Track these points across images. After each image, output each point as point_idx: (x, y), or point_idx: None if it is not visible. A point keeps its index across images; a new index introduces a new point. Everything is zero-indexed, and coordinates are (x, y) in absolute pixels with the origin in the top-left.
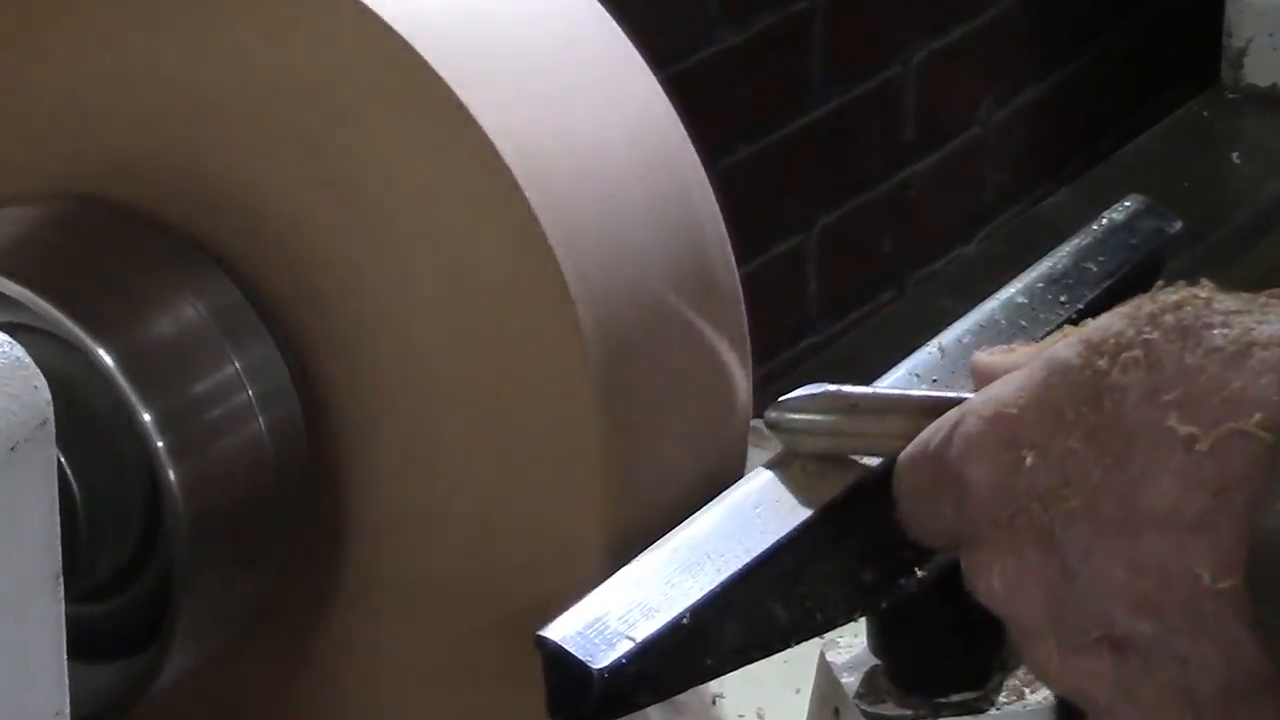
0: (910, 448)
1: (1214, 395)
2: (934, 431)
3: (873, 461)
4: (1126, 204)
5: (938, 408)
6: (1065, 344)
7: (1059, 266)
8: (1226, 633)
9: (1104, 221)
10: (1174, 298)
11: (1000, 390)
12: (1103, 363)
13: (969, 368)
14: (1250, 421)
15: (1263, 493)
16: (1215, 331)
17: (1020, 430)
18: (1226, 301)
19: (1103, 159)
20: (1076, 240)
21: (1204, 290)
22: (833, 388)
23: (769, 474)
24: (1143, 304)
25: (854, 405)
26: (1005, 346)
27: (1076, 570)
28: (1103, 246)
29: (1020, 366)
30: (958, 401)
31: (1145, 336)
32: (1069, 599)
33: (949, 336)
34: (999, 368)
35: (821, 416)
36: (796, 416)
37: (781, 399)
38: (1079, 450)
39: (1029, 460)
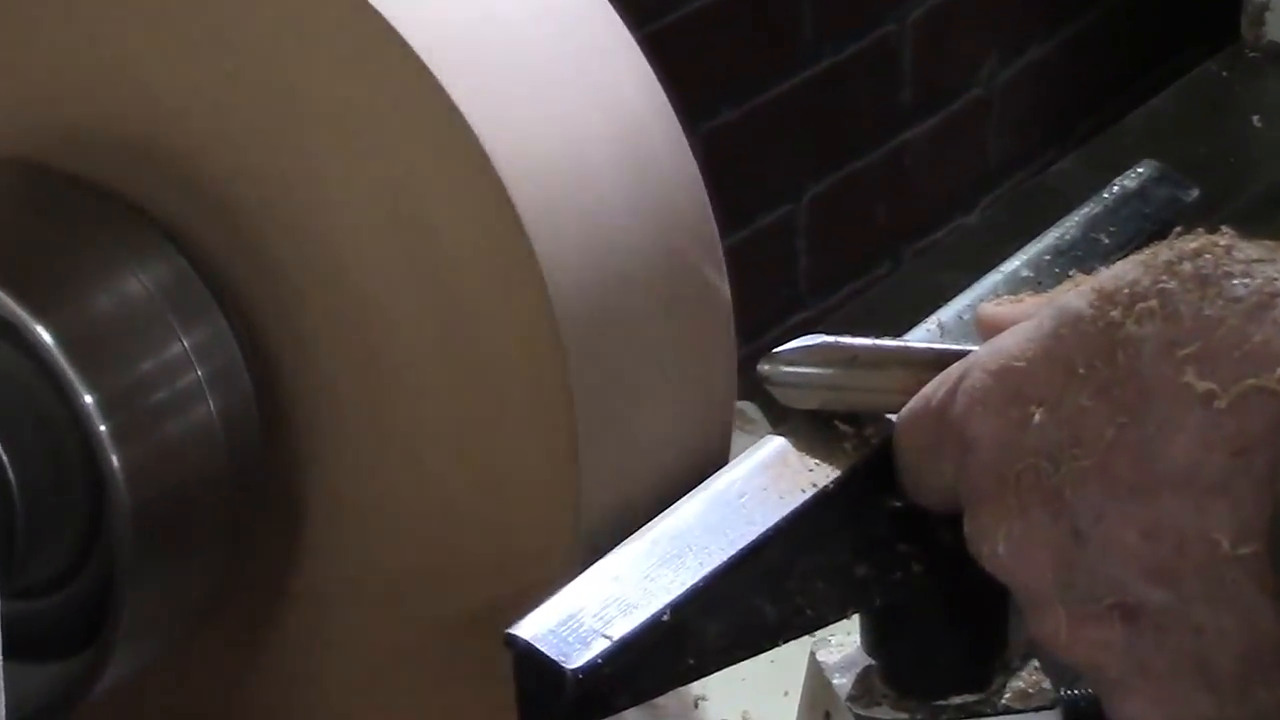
0: (911, 403)
1: (1234, 349)
2: (937, 386)
3: (868, 446)
4: (1140, 170)
5: (941, 361)
6: (1077, 293)
7: (1067, 238)
8: (1245, 601)
9: (1115, 189)
10: (1193, 245)
11: (1007, 342)
12: (1116, 313)
13: (974, 321)
14: (1272, 377)
15: None
16: (1236, 281)
17: (1028, 384)
18: (1248, 249)
19: (1114, 122)
20: (1086, 209)
21: (1224, 237)
22: (830, 338)
23: (756, 460)
24: (1160, 251)
25: (853, 358)
26: (1013, 297)
27: (1087, 534)
28: (1114, 216)
29: (1029, 317)
30: (963, 354)
31: (1162, 285)
32: (1079, 564)
33: (949, 313)
34: (1006, 319)
35: (818, 369)
36: (791, 369)
37: (775, 350)
38: (1090, 406)
39: (1037, 417)
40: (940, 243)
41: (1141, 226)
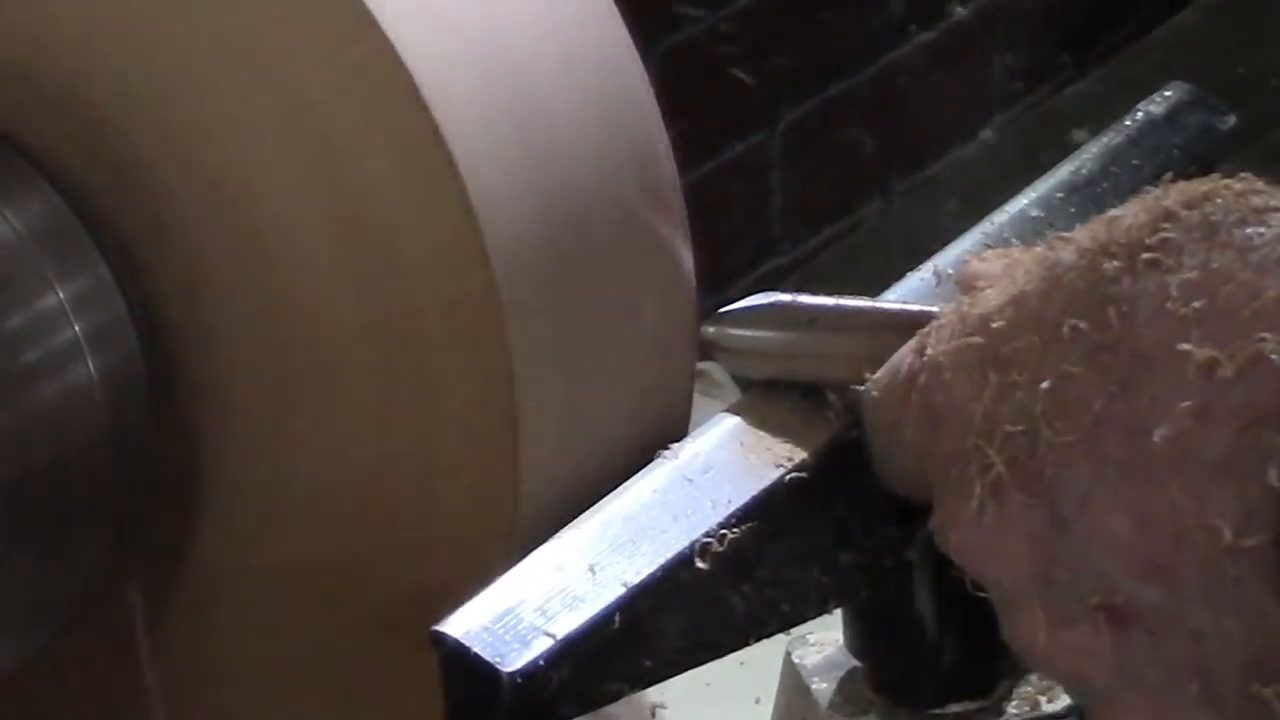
0: (879, 373)
1: (1243, 307)
2: (906, 352)
3: (852, 415)
4: (1168, 93)
5: (914, 323)
6: (1067, 243)
7: (1084, 172)
8: (1251, 602)
9: (1140, 115)
10: (1201, 189)
11: (986, 299)
12: (1110, 266)
13: (955, 278)
14: None
15: None
16: (1249, 230)
17: (1005, 347)
18: (1266, 195)
19: (1138, 38)
20: (1105, 138)
21: (1239, 181)
22: (786, 297)
23: (721, 429)
24: (1162, 195)
25: (812, 320)
26: (999, 250)
27: (1070, 521)
28: (1138, 147)
29: (1015, 271)
30: (937, 315)
31: (1163, 234)
32: (1060, 557)
33: (947, 258)
34: (988, 274)
35: (772, 333)
36: (741, 333)
37: (722, 311)
38: (1078, 374)
39: (1015, 385)
40: (937, 177)
41: (1170, 158)
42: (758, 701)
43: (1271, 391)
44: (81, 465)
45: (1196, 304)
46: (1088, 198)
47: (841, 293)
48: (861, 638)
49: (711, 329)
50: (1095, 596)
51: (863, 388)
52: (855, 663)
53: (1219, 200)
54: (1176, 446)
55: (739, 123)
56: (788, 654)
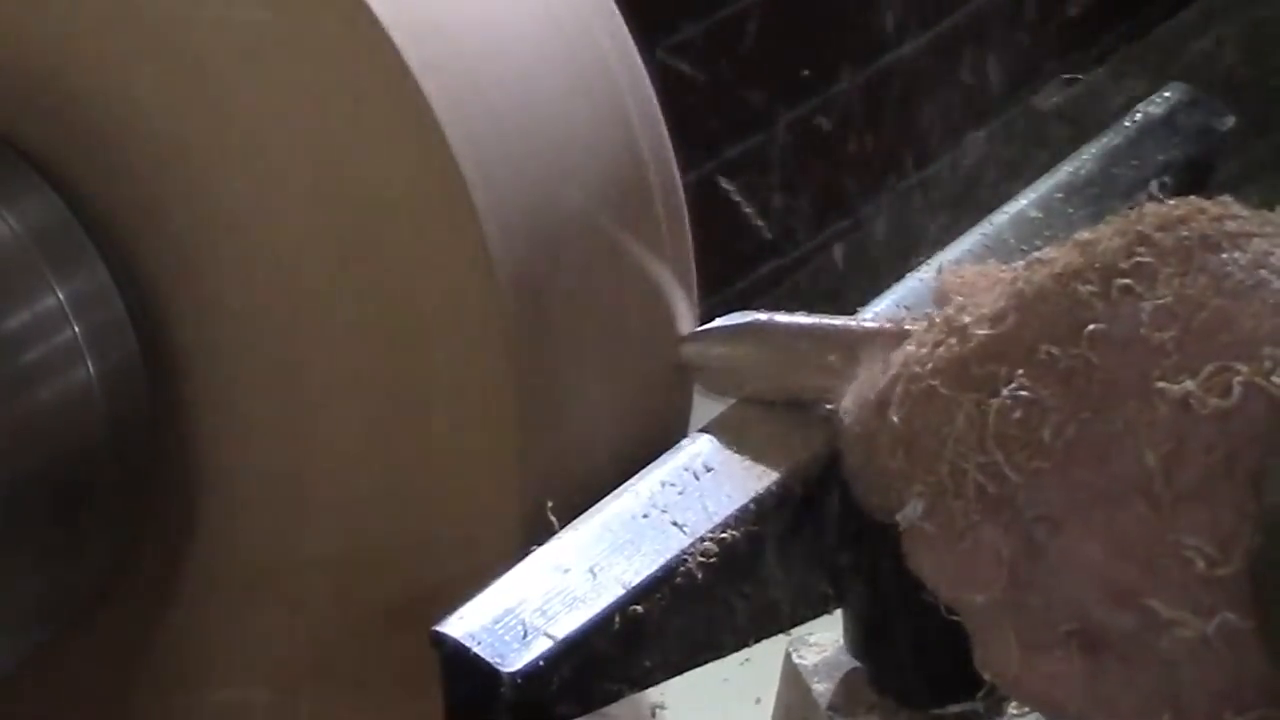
0: (851, 394)
1: (1217, 334)
2: (879, 373)
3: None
4: (1167, 94)
5: (890, 341)
6: (1043, 265)
7: (1082, 173)
8: (1224, 631)
9: (1139, 116)
10: (1176, 212)
11: (961, 321)
12: (1085, 290)
13: (933, 293)
14: (1259, 368)
15: (1273, 458)
16: (1224, 256)
17: (979, 370)
18: (1241, 220)
19: (1138, 37)
20: (1104, 140)
21: (1215, 205)
22: (763, 316)
23: (721, 430)
24: (1138, 219)
25: (793, 337)
26: (978, 266)
27: (1043, 547)
28: (1137, 148)
29: (990, 293)
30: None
31: (1138, 259)
32: (1033, 583)
33: (946, 259)
34: (964, 293)
35: (750, 351)
36: (719, 351)
37: (700, 330)
38: (1051, 399)
39: (989, 409)
40: (936, 177)
41: (1169, 160)
42: (758, 701)
43: (1245, 419)
44: (81, 465)
45: (1170, 331)
46: (1086, 198)
47: (841, 293)
48: (862, 638)
49: (689, 348)
50: (1068, 623)
51: (840, 408)
52: (855, 663)
53: (1194, 224)
54: (1149, 474)
55: (738, 124)
56: (788, 654)
